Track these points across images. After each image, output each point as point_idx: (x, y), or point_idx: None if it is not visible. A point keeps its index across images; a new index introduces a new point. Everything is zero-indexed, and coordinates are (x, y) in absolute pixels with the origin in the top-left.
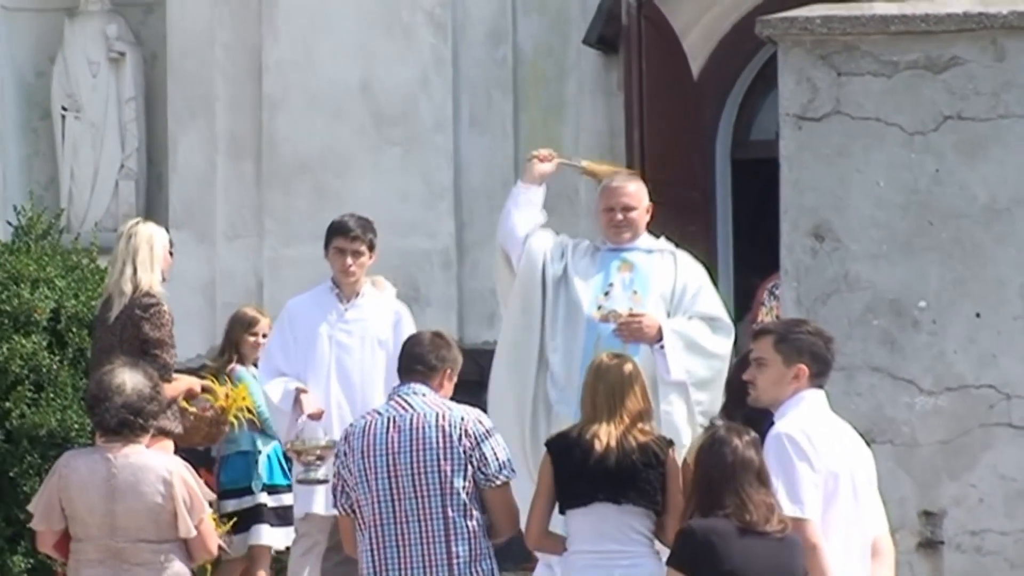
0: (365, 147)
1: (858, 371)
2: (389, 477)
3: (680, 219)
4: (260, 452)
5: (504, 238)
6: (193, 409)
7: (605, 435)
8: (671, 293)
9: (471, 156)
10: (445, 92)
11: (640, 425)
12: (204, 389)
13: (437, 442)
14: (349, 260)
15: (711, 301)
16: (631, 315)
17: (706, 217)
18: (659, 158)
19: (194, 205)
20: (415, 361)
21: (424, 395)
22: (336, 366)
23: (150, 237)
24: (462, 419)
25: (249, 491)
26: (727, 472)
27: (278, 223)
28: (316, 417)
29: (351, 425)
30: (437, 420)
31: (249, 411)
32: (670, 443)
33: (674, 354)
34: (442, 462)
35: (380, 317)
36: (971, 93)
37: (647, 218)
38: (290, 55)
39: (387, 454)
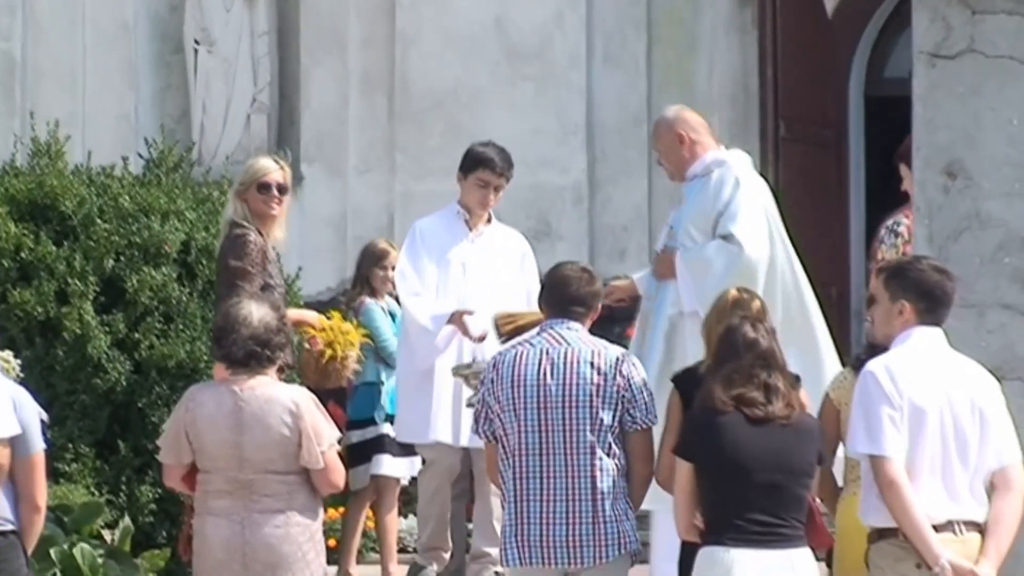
0: (498, 83)
1: (989, 309)
2: (538, 408)
3: (813, 156)
4: (384, 383)
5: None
6: (306, 345)
7: None
8: (705, 215)
9: (604, 93)
10: (579, 29)
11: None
12: (303, 323)
13: (591, 378)
14: (491, 195)
15: (730, 216)
16: (662, 251)
17: (839, 154)
18: (792, 96)
19: (326, 140)
20: (570, 301)
21: (578, 331)
22: (466, 292)
23: (246, 169)
24: (617, 359)
25: (374, 422)
26: (732, 352)
27: (410, 158)
28: (482, 339)
29: (499, 353)
30: (593, 357)
31: (361, 348)
32: (797, 378)
33: (684, 283)
34: (594, 398)
35: (508, 247)
36: None
37: (682, 146)
38: None
39: (538, 385)
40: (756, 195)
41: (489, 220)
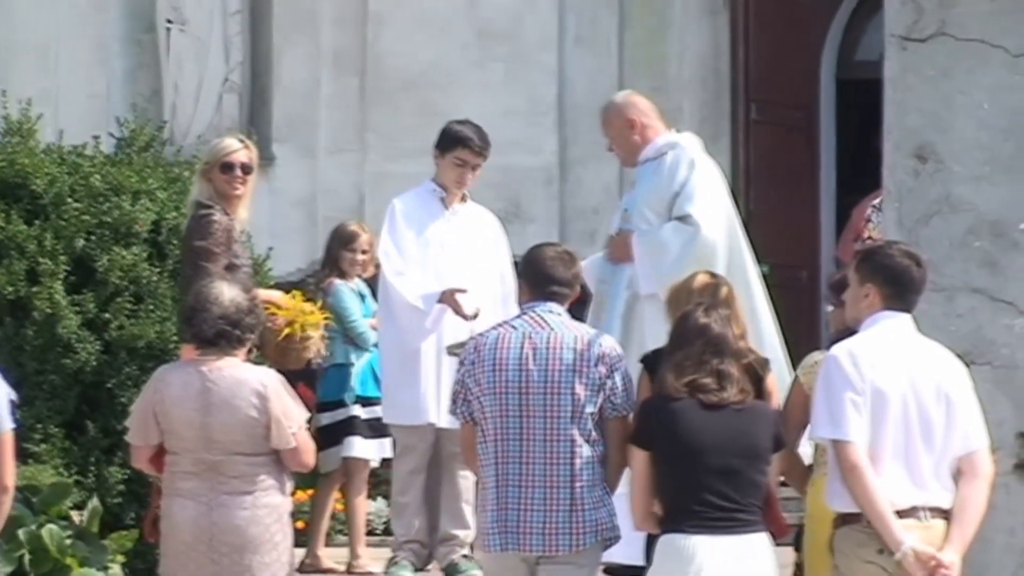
0: (470, 64)
1: (958, 293)
2: (520, 393)
3: (783, 138)
4: (354, 365)
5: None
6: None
7: None
8: (660, 197)
9: (575, 74)
10: (551, 10)
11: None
12: (270, 303)
13: (574, 364)
14: (469, 174)
15: (686, 197)
16: (616, 235)
17: (810, 137)
18: (763, 78)
19: (297, 120)
20: (553, 281)
21: (560, 315)
22: (445, 270)
23: (210, 149)
24: (600, 345)
25: (343, 404)
26: (685, 339)
27: (381, 138)
28: (474, 318)
29: (480, 335)
30: (576, 342)
31: (326, 332)
32: (766, 362)
33: (640, 266)
34: (576, 385)
35: (483, 226)
36: None
37: (632, 131)
38: None
39: (520, 370)
40: (711, 176)
41: (464, 199)
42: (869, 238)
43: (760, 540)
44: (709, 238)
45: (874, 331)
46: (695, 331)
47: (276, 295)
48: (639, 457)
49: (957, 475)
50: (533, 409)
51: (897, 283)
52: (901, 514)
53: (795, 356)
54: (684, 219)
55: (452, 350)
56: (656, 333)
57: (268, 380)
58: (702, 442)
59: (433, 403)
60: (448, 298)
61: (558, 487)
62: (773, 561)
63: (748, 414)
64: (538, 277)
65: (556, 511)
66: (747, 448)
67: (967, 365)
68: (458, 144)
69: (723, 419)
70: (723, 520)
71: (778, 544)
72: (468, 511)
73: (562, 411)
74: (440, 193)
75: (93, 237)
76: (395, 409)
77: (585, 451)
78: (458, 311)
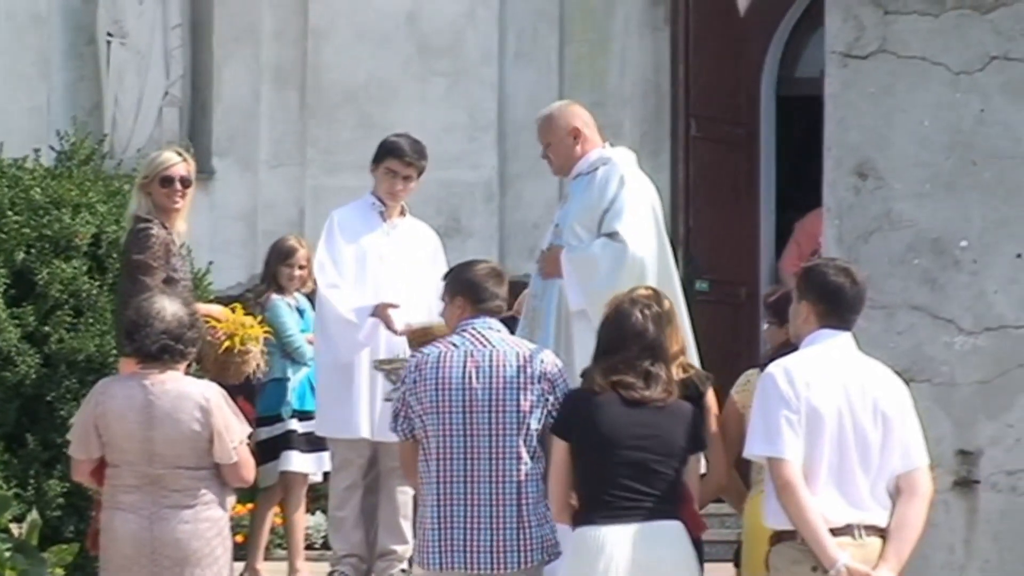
0: (410, 78)
1: (898, 310)
2: (465, 411)
3: (724, 155)
4: (291, 379)
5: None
6: (208, 337)
7: None
8: (591, 212)
9: (516, 89)
10: (491, 25)
11: (680, 360)
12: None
13: (517, 380)
14: (400, 185)
15: (615, 213)
16: (547, 250)
17: (750, 153)
18: (704, 94)
19: (237, 133)
20: (491, 297)
21: (499, 331)
22: (381, 283)
23: (148, 162)
24: (542, 361)
25: (281, 418)
26: (619, 341)
27: (321, 153)
28: (405, 333)
29: (423, 353)
30: (518, 359)
31: (265, 346)
32: (709, 377)
33: (569, 283)
34: (521, 401)
35: (422, 240)
36: (1018, 34)
37: (575, 142)
38: None
39: (464, 388)
40: (642, 193)
41: (403, 213)
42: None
43: (672, 527)
44: (637, 255)
45: (812, 349)
46: (632, 335)
47: (216, 309)
48: (558, 447)
49: (896, 493)
50: (478, 427)
51: (831, 300)
52: (836, 532)
53: (735, 372)
54: (612, 236)
55: (379, 366)
56: (587, 349)
57: (210, 394)
58: (618, 436)
59: (367, 417)
60: (381, 312)
61: (506, 505)
62: (688, 548)
63: (668, 412)
64: (475, 294)
65: (504, 529)
66: (663, 445)
67: (907, 382)
68: (388, 154)
69: (642, 416)
70: (632, 509)
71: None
72: (406, 526)
73: (508, 428)
74: (379, 207)
75: (33, 250)
76: (329, 423)
77: (530, 467)
78: (389, 326)
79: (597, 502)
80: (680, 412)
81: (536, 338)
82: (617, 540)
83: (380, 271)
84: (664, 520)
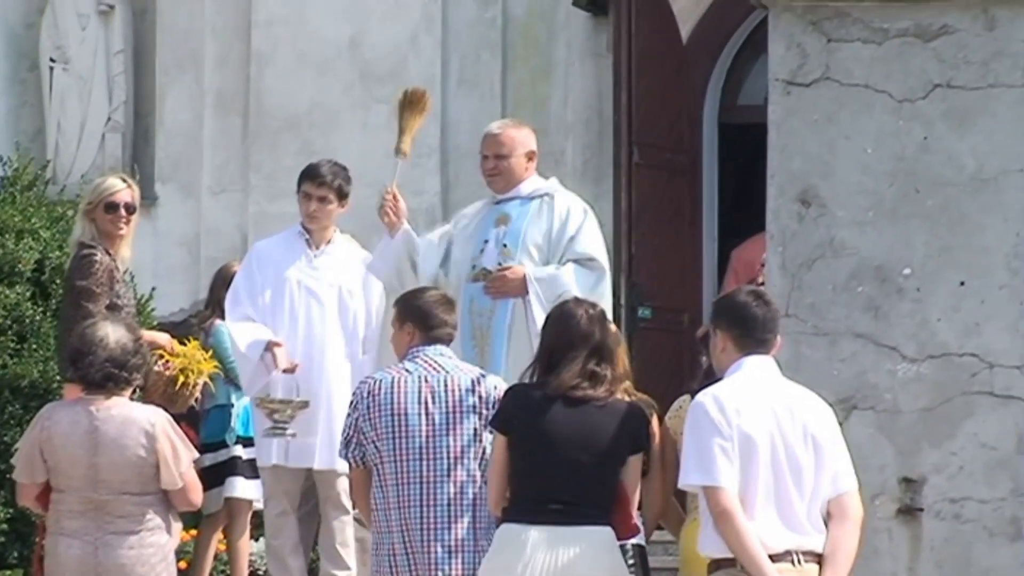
0: (353, 104)
1: (841, 337)
2: (422, 436)
3: (666, 182)
4: (234, 405)
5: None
6: (157, 368)
7: None
8: (548, 238)
9: (458, 116)
10: (434, 51)
11: (625, 385)
12: (155, 345)
13: (474, 406)
14: (314, 205)
15: (588, 241)
16: (498, 270)
17: (693, 181)
18: (647, 121)
19: (180, 159)
20: (440, 324)
21: (451, 357)
22: (302, 312)
23: (93, 188)
24: (495, 386)
25: (225, 445)
26: (562, 341)
27: (264, 179)
28: (290, 371)
29: (372, 379)
30: (473, 384)
31: (211, 374)
32: (652, 405)
33: (537, 304)
34: (478, 425)
35: (350, 268)
36: (961, 62)
37: (528, 164)
38: (280, 12)
39: (420, 414)
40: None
41: (330, 240)
42: (763, 283)
43: (599, 532)
44: (608, 281)
45: (737, 376)
46: (577, 335)
47: (162, 337)
48: (498, 441)
49: (828, 518)
50: (436, 452)
51: (742, 323)
52: (774, 558)
53: (675, 399)
54: (588, 262)
55: (262, 403)
56: None
57: (156, 419)
58: (554, 434)
59: (277, 445)
60: (269, 348)
61: (462, 528)
62: (614, 555)
63: (608, 411)
64: (425, 321)
65: (463, 552)
66: (597, 445)
67: (850, 410)
68: (303, 177)
69: (580, 414)
70: (559, 512)
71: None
72: (345, 552)
73: (465, 452)
74: (304, 234)
75: None
76: (260, 451)
77: (486, 490)
78: (274, 362)
79: (525, 500)
80: (620, 411)
81: (486, 356)
82: (539, 542)
83: (299, 300)
84: (591, 525)
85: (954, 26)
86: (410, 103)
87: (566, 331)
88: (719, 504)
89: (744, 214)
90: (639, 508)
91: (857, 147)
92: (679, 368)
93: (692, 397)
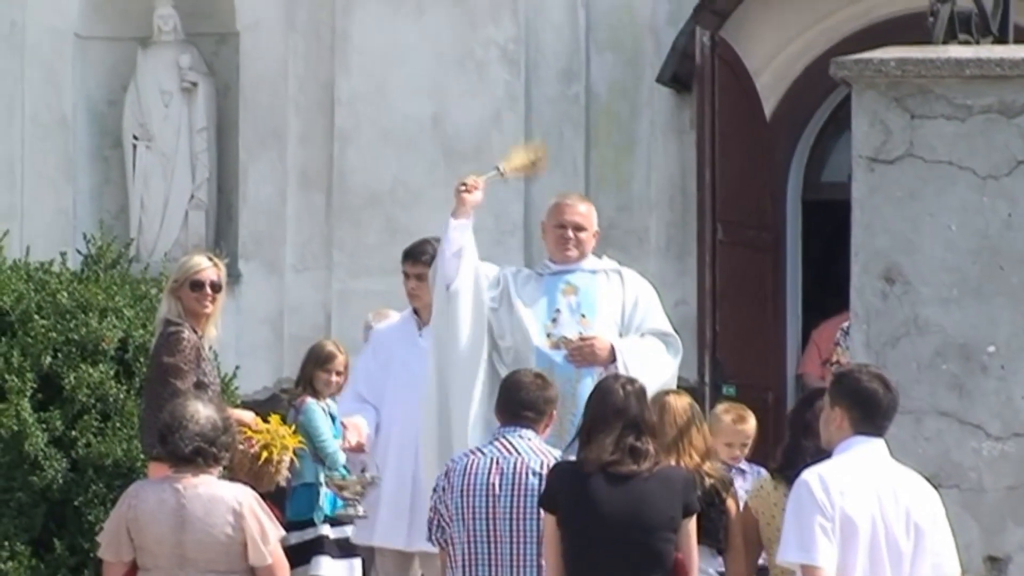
0: (436, 182)
1: (926, 415)
2: (488, 519)
3: (750, 259)
4: (322, 484)
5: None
6: (241, 446)
7: None
8: (621, 312)
9: (541, 193)
10: (517, 128)
11: (708, 464)
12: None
13: (538, 489)
14: (412, 284)
15: (661, 317)
16: (581, 339)
17: (776, 258)
18: (730, 198)
19: (263, 237)
20: (523, 406)
21: (530, 439)
22: (407, 392)
23: (179, 266)
24: None
25: (312, 523)
26: (599, 415)
27: (347, 256)
28: (355, 450)
29: (452, 461)
30: (542, 467)
31: (295, 452)
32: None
33: (636, 371)
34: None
35: None
36: None
37: (594, 242)
38: (362, 89)
39: (487, 496)
40: None
41: None
42: (838, 362)
43: None
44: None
45: (846, 456)
46: (614, 411)
47: (247, 416)
48: (548, 521)
49: None
50: (500, 535)
51: (865, 407)
52: None
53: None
54: (665, 336)
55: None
56: None
57: (243, 498)
58: (602, 513)
59: (403, 526)
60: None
61: None
62: None
63: (656, 481)
64: (509, 402)
65: None
66: (648, 518)
67: (935, 488)
68: (404, 258)
69: (628, 490)
70: None
71: None
72: None
73: (528, 536)
74: (414, 317)
75: (60, 354)
76: (367, 529)
77: None
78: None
79: None
80: (668, 478)
81: (565, 423)
82: None
83: (407, 383)
84: None
85: None
86: (530, 154)
87: (602, 406)
88: None
89: (828, 291)
90: None
91: (941, 224)
92: (763, 447)
93: (771, 477)
